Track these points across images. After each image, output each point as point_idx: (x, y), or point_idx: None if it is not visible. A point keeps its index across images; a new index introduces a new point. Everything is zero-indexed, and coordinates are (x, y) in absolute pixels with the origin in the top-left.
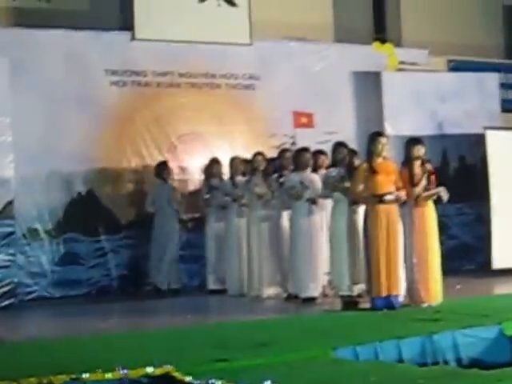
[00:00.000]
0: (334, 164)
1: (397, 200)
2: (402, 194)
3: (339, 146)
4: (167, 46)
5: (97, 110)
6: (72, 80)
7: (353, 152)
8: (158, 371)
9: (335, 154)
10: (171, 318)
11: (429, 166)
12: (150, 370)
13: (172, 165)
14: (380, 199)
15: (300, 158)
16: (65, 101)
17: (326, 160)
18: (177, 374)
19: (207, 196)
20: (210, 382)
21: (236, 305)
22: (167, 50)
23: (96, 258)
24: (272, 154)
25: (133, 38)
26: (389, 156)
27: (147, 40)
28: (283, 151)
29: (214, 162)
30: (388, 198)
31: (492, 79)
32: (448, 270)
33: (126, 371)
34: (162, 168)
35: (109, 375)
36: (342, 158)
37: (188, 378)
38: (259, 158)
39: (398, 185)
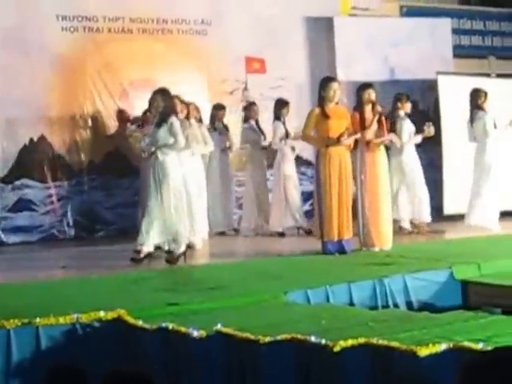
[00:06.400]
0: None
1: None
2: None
3: None
4: None
5: (48, 56)
6: (23, 25)
7: None
8: (110, 315)
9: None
10: (123, 262)
11: (379, 108)
12: (101, 314)
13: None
14: (335, 141)
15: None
16: (16, 46)
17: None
18: (128, 318)
19: None
20: (161, 325)
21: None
22: None
23: (49, 205)
24: (223, 99)
25: None
26: (340, 101)
27: None
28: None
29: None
30: (343, 138)
31: (444, 25)
32: None
33: (78, 315)
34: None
35: (61, 319)
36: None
37: (139, 322)
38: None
39: (349, 130)
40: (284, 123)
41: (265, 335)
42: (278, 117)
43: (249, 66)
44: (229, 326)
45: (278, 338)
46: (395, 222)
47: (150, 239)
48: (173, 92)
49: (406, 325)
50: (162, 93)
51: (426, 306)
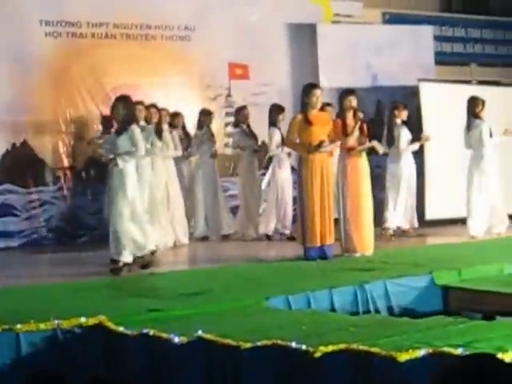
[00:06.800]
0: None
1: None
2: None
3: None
4: None
5: (31, 61)
6: (6, 30)
7: None
8: (91, 321)
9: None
10: (106, 268)
11: (360, 115)
12: (82, 320)
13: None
14: (316, 148)
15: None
16: None
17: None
18: (109, 324)
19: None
20: (142, 331)
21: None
22: (102, 0)
23: (31, 210)
24: (207, 105)
25: None
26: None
27: None
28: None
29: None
30: (324, 145)
31: (426, 32)
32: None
33: (59, 321)
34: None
35: (42, 325)
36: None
37: (121, 328)
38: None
39: (331, 136)
40: (280, 129)
41: (246, 341)
42: (273, 123)
43: (232, 72)
44: (210, 331)
45: (259, 343)
46: (380, 225)
47: (124, 248)
48: (159, 97)
49: (387, 330)
50: (123, 100)
51: (406, 312)
